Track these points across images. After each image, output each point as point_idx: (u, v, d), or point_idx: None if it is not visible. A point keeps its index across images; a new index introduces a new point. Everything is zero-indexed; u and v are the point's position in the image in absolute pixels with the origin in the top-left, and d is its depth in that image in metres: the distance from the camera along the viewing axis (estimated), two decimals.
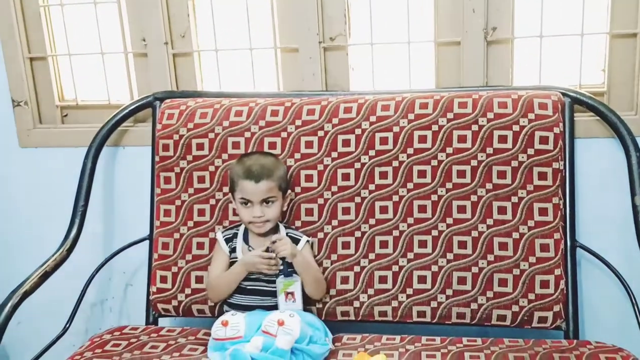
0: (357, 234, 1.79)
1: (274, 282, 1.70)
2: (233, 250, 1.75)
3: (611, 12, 1.82)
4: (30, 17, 2.12)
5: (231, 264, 1.74)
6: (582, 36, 1.84)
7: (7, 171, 2.22)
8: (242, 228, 1.76)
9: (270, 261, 1.67)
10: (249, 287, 1.72)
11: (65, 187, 2.05)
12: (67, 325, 1.88)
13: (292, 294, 1.68)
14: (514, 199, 1.73)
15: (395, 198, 1.77)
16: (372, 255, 1.78)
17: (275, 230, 1.75)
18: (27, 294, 1.71)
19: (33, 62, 2.16)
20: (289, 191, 1.77)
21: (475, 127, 1.75)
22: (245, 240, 1.75)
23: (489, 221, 1.73)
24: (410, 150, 1.77)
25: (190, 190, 1.88)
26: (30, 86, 2.15)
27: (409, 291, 1.76)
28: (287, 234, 1.75)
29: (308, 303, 1.79)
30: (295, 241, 1.73)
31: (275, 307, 1.69)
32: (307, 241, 1.76)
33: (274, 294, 1.70)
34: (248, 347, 1.54)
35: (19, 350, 2.32)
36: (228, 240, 1.76)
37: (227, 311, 1.73)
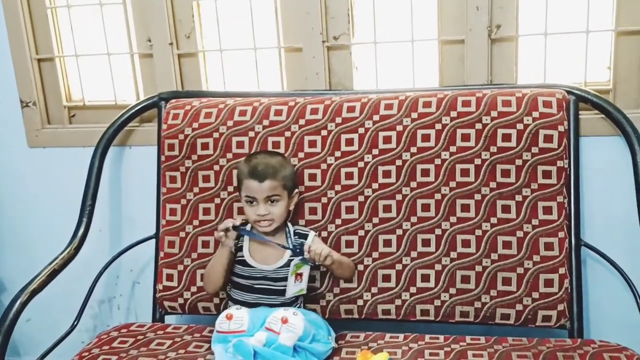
0: (361, 232, 1.79)
1: (279, 280, 1.71)
2: (240, 248, 1.75)
3: (616, 9, 1.80)
4: (37, 19, 2.15)
5: (237, 262, 1.74)
6: (587, 33, 1.83)
7: (16, 171, 2.25)
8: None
9: (219, 232, 1.69)
10: (255, 286, 1.73)
11: (72, 187, 2.07)
12: (76, 323, 1.91)
13: (300, 275, 1.69)
14: (518, 198, 1.73)
15: (399, 197, 1.77)
16: (375, 254, 1.79)
17: (283, 228, 1.75)
18: (35, 292, 1.74)
19: (41, 63, 2.19)
20: (296, 190, 1.77)
21: (479, 126, 1.74)
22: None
23: (493, 220, 1.73)
24: (413, 149, 1.77)
25: (196, 190, 1.90)
26: (38, 87, 2.18)
27: (413, 290, 1.76)
28: (294, 231, 1.76)
29: (312, 301, 1.80)
30: (304, 236, 1.75)
31: (279, 306, 1.70)
32: (315, 235, 1.77)
33: (279, 293, 1.71)
34: (252, 341, 1.56)
35: (28, 346, 2.36)
36: (236, 238, 1.76)
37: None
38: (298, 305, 1.76)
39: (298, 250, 1.70)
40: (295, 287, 1.69)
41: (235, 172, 1.81)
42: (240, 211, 1.81)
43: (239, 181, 1.75)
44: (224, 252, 1.72)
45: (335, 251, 1.75)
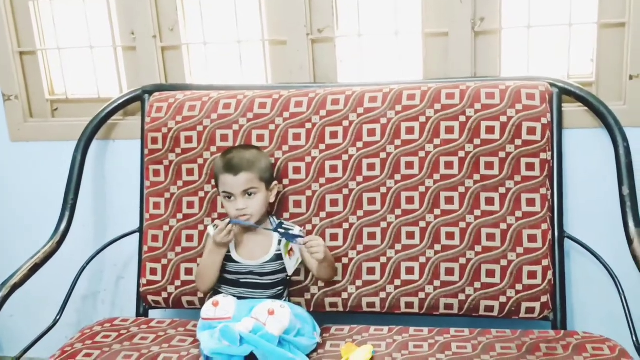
0: (345, 225, 1.79)
1: (265, 275, 1.71)
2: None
3: (599, 1, 1.81)
4: (19, 12, 2.13)
5: (224, 258, 1.74)
6: (570, 26, 1.84)
7: None
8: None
9: (222, 232, 1.67)
10: (241, 280, 1.73)
11: (55, 181, 2.05)
12: (58, 317, 1.90)
13: (292, 250, 1.71)
14: (502, 190, 1.73)
15: (383, 190, 1.77)
16: (360, 247, 1.79)
17: (264, 221, 1.75)
18: (16, 286, 1.73)
19: (23, 57, 2.17)
20: (275, 182, 1.77)
21: (462, 118, 1.75)
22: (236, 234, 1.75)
23: (477, 212, 1.74)
24: (397, 142, 1.77)
25: (180, 183, 1.89)
26: (20, 80, 2.16)
27: (397, 282, 1.77)
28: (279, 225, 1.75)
29: (297, 295, 1.80)
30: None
31: (267, 299, 1.69)
32: (300, 230, 1.77)
33: (265, 287, 1.72)
34: (238, 327, 1.55)
35: (11, 341, 2.34)
36: None
37: None
38: (284, 299, 1.75)
39: (282, 231, 1.69)
40: (292, 262, 1.71)
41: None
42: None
43: (215, 177, 1.75)
44: (222, 251, 1.71)
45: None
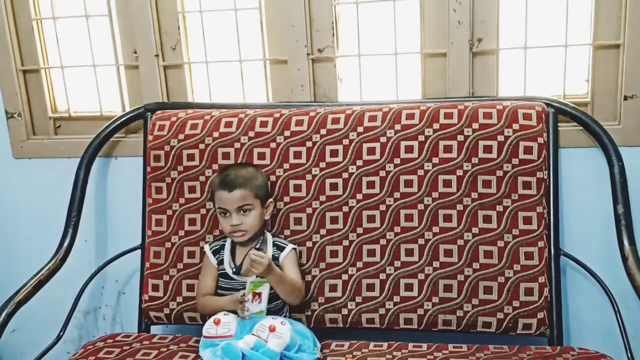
0: (345, 242, 1.82)
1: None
2: (221, 262, 1.77)
3: (594, 23, 1.85)
4: (23, 31, 2.15)
5: (220, 275, 1.77)
6: (565, 47, 1.87)
7: (1, 182, 2.24)
8: (228, 239, 1.79)
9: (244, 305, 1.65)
10: None
11: (58, 197, 2.07)
12: (61, 333, 1.91)
13: (259, 295, 1.66)
14: (499, 208, 1.76)
15: (382, 207, 1.80)
16: (359, 264, 1.81)
17: (257, 238, 1.76)
18: (21, 303, 1.75)
19: (26, 75, 2.19)
20: (270, 200, 1.79)
21: (460, 138, 1.77)
22: (232, 251, 1.78)
23: (475, 230, 1.76)
24: (397, 160, 1.80)
25: (181, 200, 1.91)
26: (23, 98, 2.18)
27: (396, 299, 1.79)
28: (274, 242, 1.78)
29: (297, 311, 1.82)
30: (282, 249, 1.76)
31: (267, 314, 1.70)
32: (294, 248, 1.78)
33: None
34: (240, 344, 1.57)
35: (14, 357, 2.34)
36: (216, 252, 1.79)
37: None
38: (284, 315, 1.77)
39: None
40: (253, 307, 1.66)
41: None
42: None
43: (211, 193, 1.78)
44: (229, 306, 1.70)
45: (293, 273, 1.74)
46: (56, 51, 2.15)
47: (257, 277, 1.67)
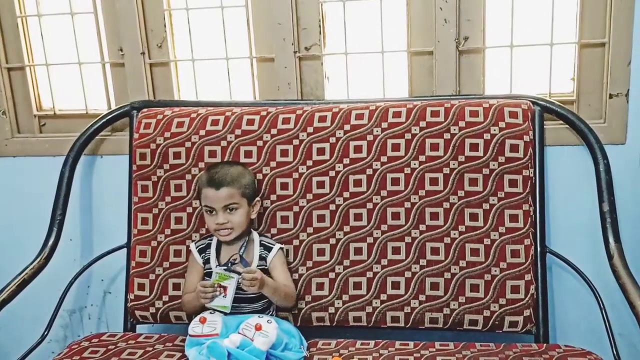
0: (332, 241, 1.81)
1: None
2: (207, 261, 1.77)
3: (580, 22, 1.86)
4: (7, 28, 2.13)
5: (205, 274, 1.76)
6: (551, 46, 1.88)
7: None
8: (215, 238, 1.78)
9: (206, 294, 1.64)
10: None
11: (43, 196, 2.05)
12: (46, 333, 1.90)
13: (224, 288, 1.64)
14: (485, 206, 1.76)
15: (369, 205, 1.80)
16: (346, 262, 1.81)
17: (243, 237, 1.75)
18: (5, 302, 1.74)
19: (11, 72, 2.17)
20: (257, 199, 1.78)
21: (447, 136, 1.78)
22: (218, 250, 1.77)
23: (461, 228, 1.77)
24: (383, 159, 1.80)
25: (167, 199, 1.90)
26: (8, 96, 2.16)
27: (383, 297, 1.79)
28: (260, 241, 1.77)
29: (283, 310, 1.81)
30: (269, 249, 1.76)
31: (249, 313, 1.70)
32: (281, 248, 1.78)
33: (248, 300, 1.71)
34: (226, 342, 1.57)
35: None
36: (202, 251, 1.78)
37: None
38: (270, 313, 1.77)
39: (230, 265, 1.68)
40: (217, 300, 1.63)
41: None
42: None
43: (198, 191, 1.77)
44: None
45: (284, 275, 1.75)
46: (41, 48, 2.14)
47: (223, 269, 1.65)
